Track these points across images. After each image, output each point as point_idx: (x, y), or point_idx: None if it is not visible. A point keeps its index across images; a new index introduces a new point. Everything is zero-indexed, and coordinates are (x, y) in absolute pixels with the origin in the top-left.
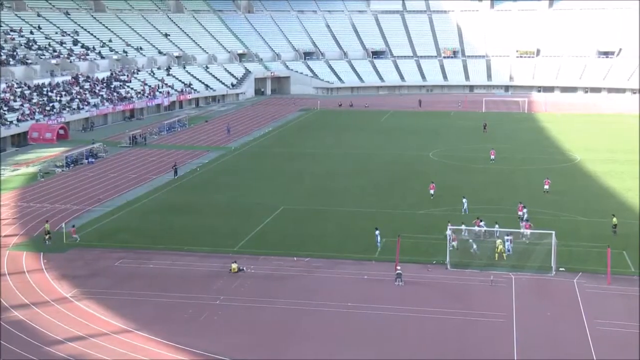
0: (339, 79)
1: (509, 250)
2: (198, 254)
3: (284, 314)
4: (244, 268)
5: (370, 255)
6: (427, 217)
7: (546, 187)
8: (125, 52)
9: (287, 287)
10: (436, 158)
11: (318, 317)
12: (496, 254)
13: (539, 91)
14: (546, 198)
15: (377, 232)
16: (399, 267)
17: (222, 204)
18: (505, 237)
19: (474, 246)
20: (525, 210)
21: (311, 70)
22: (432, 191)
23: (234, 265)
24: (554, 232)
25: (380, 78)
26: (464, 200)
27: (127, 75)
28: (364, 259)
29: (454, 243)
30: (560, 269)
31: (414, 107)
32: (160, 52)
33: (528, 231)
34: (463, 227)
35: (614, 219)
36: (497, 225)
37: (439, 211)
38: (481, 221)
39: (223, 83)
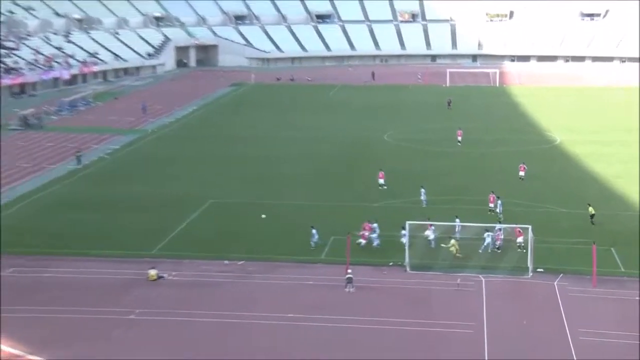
0: (277, 47)
1: (498, 248)
2: (108, 258)
3: (213, 329)
4: (165, 275)
5: (316, 257)
6: (383, 210)
7: (521, 173)
8: (11, 12)
9: (217, 296)
10: (392, 140)
11: (254, 331)
12: (453, 252)
13: (513, 61)
14: (521, 186)
15: (313, 230)
16: (349, 271)
17: (136, 198)
18: (486, 234)
19: (432, 236)
20: (499, 202)
21: (244, 38)
22: (381, 180)
23: (152, 272)
24: (530, 226)
25: (326, 47)
26: (422, 190)
27: (15, 42)
28: (309, 261)
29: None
30: (538, 269)
31: (366, 81)
32: (56, 14)
33: (520, 239)
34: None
35: (590, 209)
36: (457, 220)
37: (397, 203)
38: (430, 226)
39: (137, 52)
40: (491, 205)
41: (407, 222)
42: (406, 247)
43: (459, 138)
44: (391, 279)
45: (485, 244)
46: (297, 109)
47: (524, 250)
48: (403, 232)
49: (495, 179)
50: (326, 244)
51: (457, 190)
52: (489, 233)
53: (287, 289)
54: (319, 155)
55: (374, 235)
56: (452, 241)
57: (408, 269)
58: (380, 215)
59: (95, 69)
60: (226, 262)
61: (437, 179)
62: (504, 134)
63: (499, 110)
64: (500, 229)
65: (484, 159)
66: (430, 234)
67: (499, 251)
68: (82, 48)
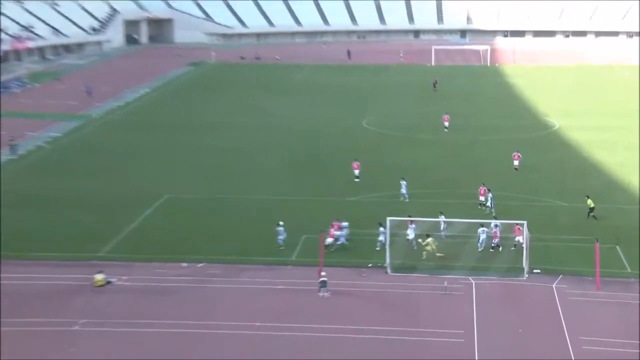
0: (241, 22)
1: (496, 247)
2: (49, 262)
3: (170, 340)
4: (113, 280)
5: (286, 257)
6: (360, 205)
7: (515, 163)
8: None
9: (174, 303)
10: (371, 127)
11: (216, 343)
12: (424, 254)
13: (506, 36)
14: (516, 178)
15: (279, 227)
16: (323, 273)
17: (81, 194)
18: (480, 230)
19: (411, 235)
20: (490, 195)
21: (202, 11)
22: (356, 171)
23: (100, 277)
24: (525, 222)
25: (296, 21)
26: (403, 182)
27: None
28: (278, 262)
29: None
30: (535, 270)
31: (342, 60)
32: None
33: (519, 237)
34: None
35: (589, 201)
36: (442, 216)
37: (376, 198)
38: (411, 223)
39: (79, 27)
40: (481, 198)
41: (388, 219)
42: (387, 247)
43: (446, 124)
44: (370, 282)
45: (480, 240)
46: (264, 92)
47: (521, 249)
48: (381, 229)
49: (487, 169)
50: (297, 244)
51: (444, 182)
52: (484, 229)
53: (253, 295)
54: (289, 145)
55: (342, 233)
56: (429, 239)
57: (389, 270)
58: (357, 211)
59: (31, 45)
60: (184, 264)
61: (421, 170)
62: (495, 120)
63: (491, 92)
64: (497, 225)
65: (473, 148)
66: (410, 232)
67: (500, 249)
68: (14, 21)
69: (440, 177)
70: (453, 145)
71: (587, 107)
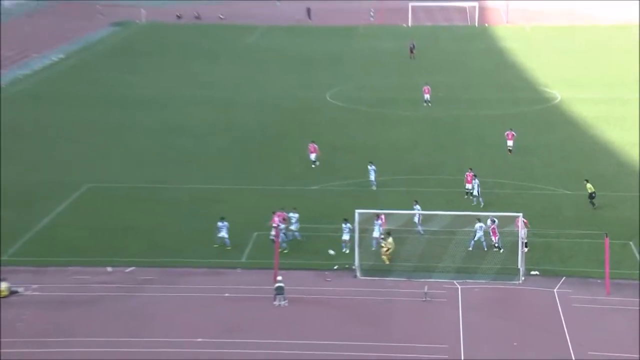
0: None
1: (499, 247)
2: None
3: None
4: (20, 289)
5: (234, 259)
6: (324, 195)
7: (509, 143)
8: None
9: (97, 316)
10: (337, 102)
11: None
12: (384, 258)
13: None
14: (509, 161)
15: (221, 223)
16: (280, 278)
17: None
18: (477, 225)
19: (376, 233)
20: (476, 181)
21: None
22: (313, 156)
23: (3, 286)
24: (521, 214)
25: None
26: (371, 167)
27: None
28: (224, 265)
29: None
30: (533, 272)
31: (300, 20)
32: None
33: (524, 231)
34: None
35: (589, 186)
36: (417, 206)
37: (342, 186)
38: (377, 218)
39: None
40: (468, 186)
41: (356, 212)
42: (355, 246)
43: (427, 97)
44: (337, 287)
45: (475, 238)
46: (207, 59)
47: (526, 248)
48: (345, 225)
49: (474, 151)
50: (247, 243)
51: (423, 167)
52: (481, 224)
53: (195, 305)
54: (237, 123)
55: (293, 227)
56: (389, 239)
57: (358, 274)
58: (319, 202)
59: None
60: (109, 269)
61: (395, 153)
62: (485, 92)
63: (479, 59)
64: (493, 221)
65: (458, 125)
66: (376, 229)
67: (501, 250)
68: None
69: (418, 160)
70: (434, 122)
71: (595, 76)
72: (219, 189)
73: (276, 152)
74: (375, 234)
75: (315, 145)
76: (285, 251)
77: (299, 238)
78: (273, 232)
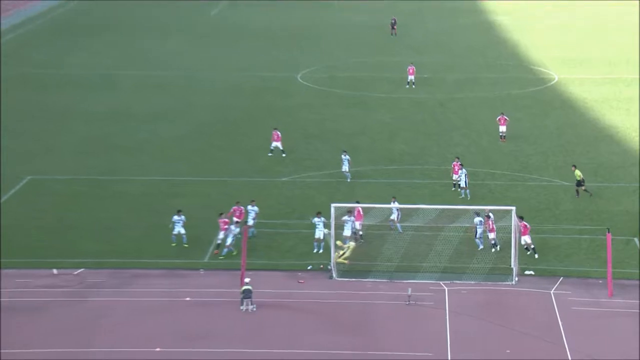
0: None
1: (495, 245)
2: None
3: None
4: None
5: (196, 259)
6: (294, 188)
7: (502, 129)
8: None
9: (42, 325)
10: (309, 83)
11: None
12: (342, 260)
13: None
14: (501, 149)
15: (176, 217)
16: (247, 280)
17: None
18: (476, 219)
19: (347, 231)
20: (463, 171)
21: None
22: (275, 144)
23: None
24: (514, 208)
25: None
26: (344, 157)
27: None
28: (184, 266)
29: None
30: (527, 272)
31: None
32: None
33: (527, 237)
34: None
35: (577, 172)
36: (394, 202)
37: (315, 177)
38: (349, 215)
39: None
40: (455, 177)
41: (332, 206)
42: (332, 244)
43: (410, 78)
44: (310, 290)
45: (478, 235)
46: (160, 34)
47: (534, 254)
48: (317, 220)
49: (462, 138)
50: (211, 241)
51: (405, 156)
52: (480, 219)
53: (152, 311)
54: (196, 108)
55: (251, 223)
56: (351, 243)
57: (334, 274)
58: (289, 195)
59: None
60: (55, 271)
61: (375, 141)
62: (474, 72)
63: (468, 36)
64: (489, 216)
65: (445, 109)
66: (347, 227)
67: (497, 248)
68: None
69: (400, 149)
70: (418, 106)
71: (596, 54)
72: (176, 182)
73: (241, 140)
74: (347, 232)
75: (278, 133)
76: (234, 253)
77: (255, 234)
78: (220, 236)
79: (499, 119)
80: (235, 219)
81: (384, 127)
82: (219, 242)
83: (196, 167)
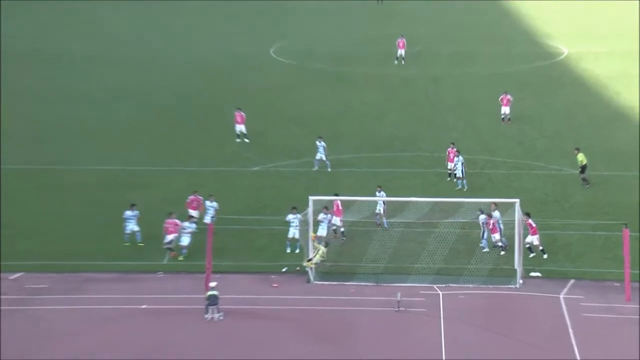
0: None
1: (503, 244)
2: None
3: None
4: None
5: (154, 261)
6: (267, 178)
7: (504, 110)
8: None
9: None
10: (283, 58)
11: None
12: (308, 264)
13: None
14: (504, 133)
15: (129, 212)
16: (213, 284)
17: None
18: (481, 217)
19: (323, 231)
20: (460, 158)
21: None
22: (239, 127)
23: None
24: (518, 200)
25: None
26: (319, 144)
27: None
28: (140, 269)
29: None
30: (533, 273)
31: None
32: None
33: (534, 237)
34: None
35: (580, 156)
36: (380, 193)
37: (290, 166)
38: (326, 212)
39: None
40: (451, 165)
41: (310, 198)
42: (310, 243)
43: (400, 52)
44: (286, 295)
45: (485, 235)
46: (112, 4)
47: (542, 254)
48: (291, 216)
49: (459, 121)
50: (170, 241)
51: (394, 142)
52: (485, 217)
53: (104, 320)
54: (154, 88)
55: (191, 226)
56: (321, 249)
57: (312, 277)
58: (259, 187)
59: None
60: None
61: (359, 124)
62: (473, 45)
63: (466, 4)
64: (490, 215)
65: (439, 88)
66: (322, 226)
67: (505, 250)
68: None
69: (387, 133)
70: (408, 84)
71: (609, 25)
72: (133, 172)
73: (206, 124)
74: (322, 231)
75: (242, 114)
76: (181, 258)
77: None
78: (169, 239)
79: (501, 99)
80: (190, 212)
81: (369, 109)
82: (168, 246)
83: (157, 155)
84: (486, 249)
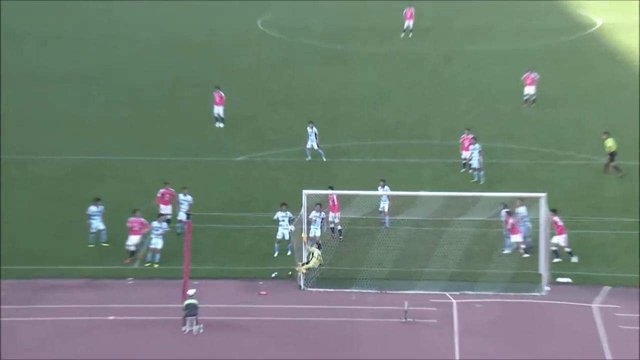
0: None
1: (526, 246)
2: None
3: None
4: None
5: (123, 265)
6: (253, 169)
7: (528, 90)
8: None
9: None
10: (273, 32)
11: None
12: (301, 269)
13: None
14: (527, 117)
15: (94, 208)
16: (192, 291)
17: None
18: (503, 212)
19: (316, 231)
20: (476, 146)
21: None
22: (218, 109)
23: None
24: (544, 194)
25: None
26: (311, 130)
27: None
28: (109, 274)
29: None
30: (562, 279)
31: None
32: None
33: (560, 237)
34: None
35: (609, 141)
36: (384, 187)
37: (280, 156)
38: (319, 209)
39: None
40: (466, 154)
41: (304, 192)
42: (303, 244)
43: (408, 23)
44: (275, 304)
45: (510, 236)
46: None
47: (569, 257)
48: (280, 214)
49: (475, 104)
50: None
51: (399, 128)
52: (507, 210)
53: (66, 332)
54: (127, 68)
55: (183, 218)
56: (316, 252)
57: (303, 283)
58: (247, 180)
59: None
60: None
61: (359, 107)
62: (490, 17)
63: None
64: (509, 212)
65: (452, 66)
66: (315, 224)
67: (527, 254)
68: None
69: (392, 118)
70: (416, 61)
71: None
72: (100, 162)
73: (184, 109)
74: (316, 231)
75: (221, 93)
76: (156, 265)
77: (178, 232)
78: (132, 242)
79: (525, 78)
80: (162, 208)
81: (371, 91)
82: (132, 249)
83: (126, 142)
84: (507, 251)
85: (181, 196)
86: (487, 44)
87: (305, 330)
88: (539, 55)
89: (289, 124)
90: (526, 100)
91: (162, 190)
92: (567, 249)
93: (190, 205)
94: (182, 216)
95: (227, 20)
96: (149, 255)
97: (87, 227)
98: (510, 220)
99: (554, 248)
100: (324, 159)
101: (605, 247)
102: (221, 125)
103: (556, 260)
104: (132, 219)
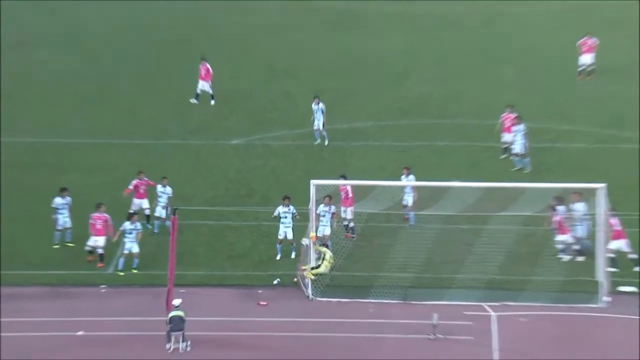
0: None
1: (580, 252)
2: None
3: None
4: None
5: (95, 270)
6: (250, 155)
7: (584, 59)
8: None
9: None
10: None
11: None
12: (309, 275)
13: None
14: (583, 91)
15: (60, 199)
16: (177, 302)
17: None
18: (555, 205)
19: (326, 229)
20: (520, 128)
21: None
22: (202, 85)
23: None
24: (603, 185)
25: None
26: (316, 106)
27: None
28: (78, 281)
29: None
30: (624, 288)
31: None
32: None
33: (621, 242)
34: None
35: None
36: (408, 176)
37: (282, 139)
38: (329, 202)
39: None
40: (507, 137)
41: (312, 182)
42: (311, 245)
43: None
44: (277, 317)
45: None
46: None
47: (634, 265)
48: (282, 209)
49: (518, 75)
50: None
51: (426, 105)
52: (562, 207)
53: (25, 352)
54: (90, 33)
55: (162, 214)
56: (327, 254)
57: (310, 292)
58: (242, 168)
59: None
60: None
61: (377, 80)
62: None
63: None
64: (554, 208)
65: (493, 28)
66: (324, 222)
67: (582, 258)
68: None
69: (416, 93)
70: (448, 24)
71: None
72: (67, 145)
73: (165, 83)
74: (325, 229)
75: (208, 66)
76: (134, 270)
77: (155, 231)
78: (94, 243)
79: (581, 44)
80: (135, 203)
81: (392, 60)
82: (97, 250)
83: (96, 123)
84: (565, 257)
85: (159, 188)
86: (535, 3)
87: (314, 349)
88: (599, 16)
89: (293, 100)
90: (581, 71)
91: (134, 181)
92: (632, 255)
93: (170, 199)
94: (159, 212)
95: None
96: (121, 261)
97: (53, 224)
98: (556, 218)
99: (612, 255)
100: (326, 143)
101: None
102: (212, 102)
103: (612, 269)
104: (95, 214)
